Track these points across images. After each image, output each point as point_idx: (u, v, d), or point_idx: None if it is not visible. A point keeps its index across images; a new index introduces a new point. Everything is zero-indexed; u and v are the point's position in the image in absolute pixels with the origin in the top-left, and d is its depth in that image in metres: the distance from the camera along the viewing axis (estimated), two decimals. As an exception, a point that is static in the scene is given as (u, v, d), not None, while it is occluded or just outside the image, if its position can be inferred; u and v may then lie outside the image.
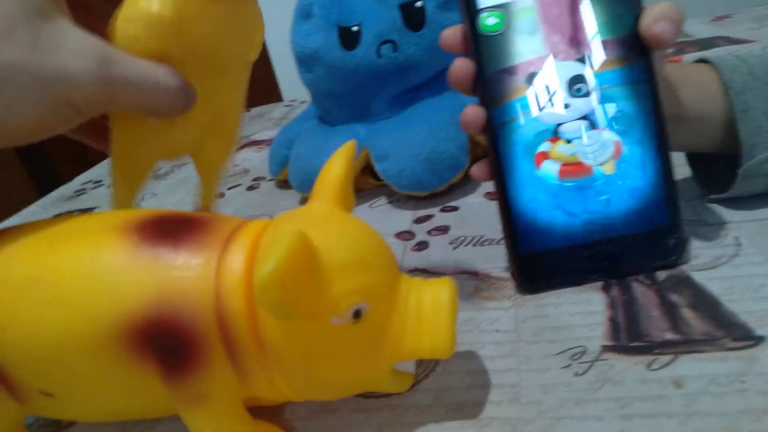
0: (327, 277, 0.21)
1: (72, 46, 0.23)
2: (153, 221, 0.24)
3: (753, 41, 0.68)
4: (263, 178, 0.62)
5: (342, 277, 0.22)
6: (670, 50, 0.71)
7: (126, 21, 0.25)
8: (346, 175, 0.26)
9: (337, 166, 0.26)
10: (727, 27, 0.77)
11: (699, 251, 0.33)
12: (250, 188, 0.60)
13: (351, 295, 0.22)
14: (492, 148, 0.32)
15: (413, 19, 0.46)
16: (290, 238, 0.19)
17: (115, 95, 0.24)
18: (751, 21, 0.77)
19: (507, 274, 0.35)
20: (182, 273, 0.22)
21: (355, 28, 0.47)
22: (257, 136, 0.78)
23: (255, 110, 0.95)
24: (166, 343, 0.22)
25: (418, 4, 0.46)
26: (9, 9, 0.22)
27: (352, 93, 0.50)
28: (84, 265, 0.23)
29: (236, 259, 0.22)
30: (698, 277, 0.31)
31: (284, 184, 0.57)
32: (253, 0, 0.28)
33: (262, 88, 2.04)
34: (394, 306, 0.23)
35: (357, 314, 0.22)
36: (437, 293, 0.24)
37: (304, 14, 0.50)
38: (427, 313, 0.23)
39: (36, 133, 0.24)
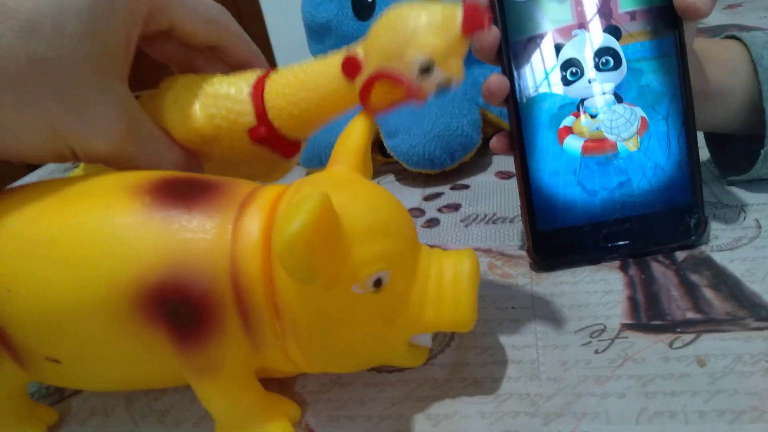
0: (348, 244, 0.20)
1: (105, 109, 0.24)
2: (165, 182, 0.23)
3: (765, 28, 0.67)
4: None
5: (363, 243, 0.21)
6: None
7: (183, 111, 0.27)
8: (366, 140, 0.25)
9: (357, 132, 0.25)
10: (739, 15, 0.76)
11: (718, 232, 0.32)
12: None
13: (372, 262, 0.21)
14: (514, 120, 0.31)
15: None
16: (314, 200, 0.18)
17: (118, 160, 0.25)
18: (763, 9, 0.76)
19: (521, 252, 0.34)
20: (197, 236, 0.21)
21: (369, 0, 0.46)
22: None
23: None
24: (179, 308, 0.21)
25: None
26: (74, 53, 0.22)
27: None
28: (94, 225, 0.22)
29: (253, 223, 0.22)
30: (718, 257, 0.30)
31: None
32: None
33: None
34: (414, 276, 0.23)
35: (377, 283, 0.21)
36: (458, 264, 0.23)
37: (315, -17, 0.49)
38: (448, 284, 0.22)
39: (21, 157, 0.23)
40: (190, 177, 0.24)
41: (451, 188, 0.44)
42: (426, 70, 0.23)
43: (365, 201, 0.22)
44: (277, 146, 0.27)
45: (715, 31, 0.71)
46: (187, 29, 0.27)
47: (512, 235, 0.36)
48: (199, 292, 0.21)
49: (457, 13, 0.23)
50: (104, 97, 0.24)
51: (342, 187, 0.22)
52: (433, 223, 0.40)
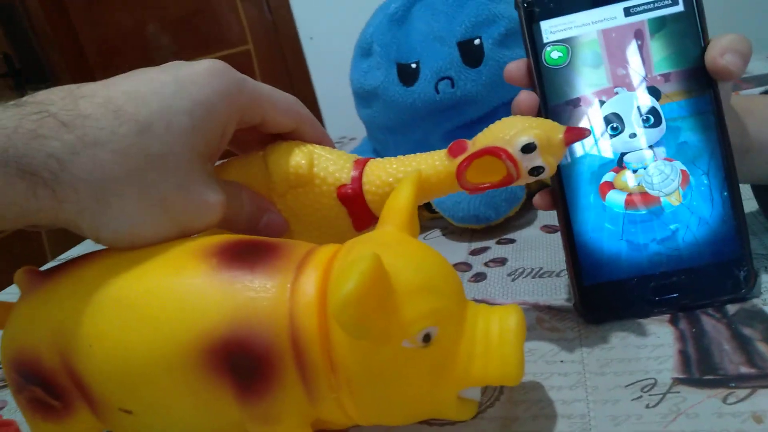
0: (399, 300, 0.22)
1: (210, 191, 0.27)
2: (230, 246, 0.25)
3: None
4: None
5: (413, 300, 0.22)
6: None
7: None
8: (413, 202, 0.27)
9: (404, 193, 0.27)
10: (786, 62, 0.75)
11: (771, 285, 0.32)
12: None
13: (421, 318, 0.22)
14: (556, 178, 0.32)
15: (471, 55, 0.48)
16: (367, 260, 0.20)
17: (220, 228, 0.28)
18: (810, 56, 0.75)
19: (569, 306, 0.34)
20: (258, 294, 0.23)
21: (413, 65, 0.49)
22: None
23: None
24: (242, 362, 0.23)
25: (476, 41, 0.48)
26: (183, 147, 0.25)
27: (409, 127, 0.51)
28: (167, 287, 0.24)
29: (309, 282, 0.23)
30: (772, 311, 0.30)
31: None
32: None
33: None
34: (462, 331, 0.24)
35: (426, 338, 0.22)
36: (504, 320, 0.24)
37: (364, 52, 0.52)
38: (495, 339, 0.23)
39: (133, 242, 0.26)
40: (253, 240, 0.26)
41: (497, 242, 0.45)
42: (527, 150, 0.26)
43: (413, 259, 0.23)
44: (356, 210, 0.30)
45: (761, 80, 0.71)
46: (274, 121, 0.30)
47: (559, 289, 0.36)
48: (261, 347, 0.22)
49: (561, 128, 0.27)
50: (207, 182, 0.27)
51: (391, 246, 0.24)
52: (480, 277, 0.41)
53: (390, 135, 0.53)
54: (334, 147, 0.32)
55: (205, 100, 0.26)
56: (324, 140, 0.32)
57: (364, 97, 0.52)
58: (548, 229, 0.46)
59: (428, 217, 0.52)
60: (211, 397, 0.23)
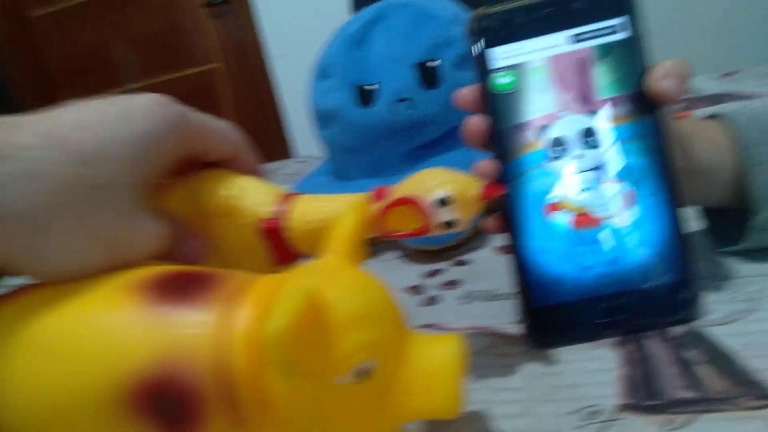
0: (334, 334, 0.21)
1: (151, 221, 0.26)
2: (163, 278, 0.24)
3: (761, 95, 0.68)
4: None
5: (349, 334, 0.22)
6: (679, 105, 0.72)
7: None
8: (357, 228, 0.26)
9: (348, 220, 0.26)
10: (735, 82, 0.78)
11: (714, 306, 0.32)
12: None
13: (358, 352, 0.22)
14: (505, 201, 0.32)
15: (429, 77, 0.48)
16: (300, 294, 0.19)
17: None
18: (757, 77, 0.78)
19: (519, 330, 0.34)
20: (186, 330, 0.22)
21: (372, 87, 0.49)
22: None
23: (266, 166, 0.97)
24: (168, 404, 0.22)
25: (435, 63, 0.48)
26: (124, 177, 0.25)
27: (368, 148, 0.51)
28: (95, 324, 0.23)
29: (241, 315, 0.22)
30: (714, 332, 0.30)
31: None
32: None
33: (275, 145, 2.11)
34: (400, 364, 0.23)
35: (362, 373, 0.22)
36: (444, 350, 0.23)
37: (323, 73, 0.52)
38: (434, 372, 0.23)
39: (69, 273, 0.25)
40: (190, 271, 0.25)
41: (451, 265, 0.45)
42: (443, 203, 0.27)
43: (351, 291, 0.23)
44: (276, 245, 0.30)
45: (712, 99, 0.73)
46: (214, 150, 0.30)
47: (511, 313, 0.36)
48: (186, 388, 0.21)
49: (479, 184, 0.28)
50: (148, 213, 0.26)
51: (329, 277, 0.23)
52: (432, 300, 0.40)
53: (349, 156, 0.53)
54: (264, 178, 0.32)
55: (150, 130, 0.26)
56: (257, 170, 0.32)
57: (323, 118, 0.52)
58: (502, 250, 0.46)
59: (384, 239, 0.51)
60: (139, 439, 0.22)
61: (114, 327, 0.22)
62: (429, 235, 0.28)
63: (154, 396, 0.22)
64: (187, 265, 0.26)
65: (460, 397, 0.23)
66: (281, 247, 0.30)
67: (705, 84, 0.81)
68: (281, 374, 0.21)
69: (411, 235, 0.28)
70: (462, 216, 0.27)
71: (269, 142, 2.13)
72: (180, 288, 0.24)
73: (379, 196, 0.28)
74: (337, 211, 0.28)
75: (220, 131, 0.30)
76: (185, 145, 0.28)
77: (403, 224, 0.28)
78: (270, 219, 0.29)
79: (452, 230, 0.28)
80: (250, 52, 2.05)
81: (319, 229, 0.28)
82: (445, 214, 0.27)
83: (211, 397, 0.22)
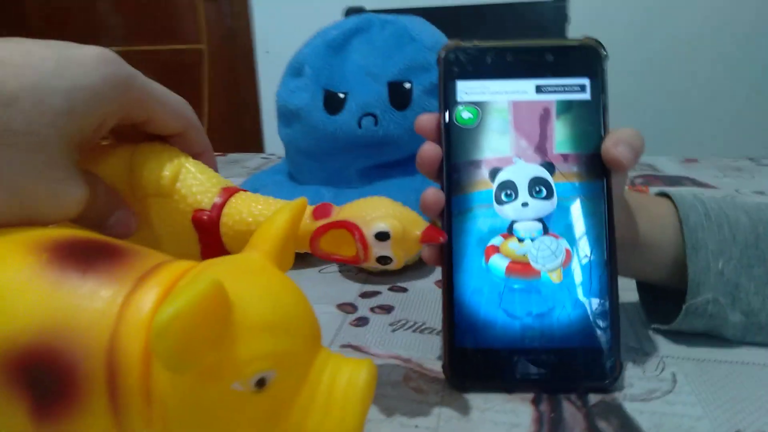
0: (235, 336, 0.20)
1: (73, 183, 0.24)
2: (69, 243, 0.22)
3: (715, 187, 0.71)
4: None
5: (252, 338, 0.20)
6: (637, 180, 0.74)
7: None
8: (288, 230, 0.25)
9: (280, 219, 0.25)
10: (695, 170, 0.80)
11: (634, 381, 0.32)
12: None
13: (259, 360, 0.20)
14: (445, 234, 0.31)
15: (399, 98, 0.47)
16: (202, 285, 0.18)
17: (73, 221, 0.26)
18: (717, 169, 0.81)
19: (439, 367, 0.33)
20: (82, 302, 0.20)
21: (341, 95, 0.48)
22: (227, 182, 0.77)
23: (232, 156, 0.95)
24: (43, 377, 0.20)
25: (407, 85, 0.47)
26: (50, 129, 0.23)
27: (326, 156, 0.50)
28: None
29: (145, 299, 0.21)
30: (629, 407, 0.30)
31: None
32: None
33: (247, 137, 2.07)
34: (304, 381, 0.22)
35: (261, 382, 0.20)
36: (353, 375, 0.22)
37: (295, 71, 0.51)
38: (339, 394, 0.21)
39: None
40: (99, 240, 0.23)
41: (389, 289, 0.44)
42: (380, 238, 0.26)
43: (264, 293, 0.21)
44: (208, 239, 0.28)
45: (670, 180, 0.75)
46: (160, 122, 0.28)
47: (435, 348, 0.35)
48: (67, 365, 0.19)
49: (423, 224, 0.27)
50: (72, 173, 0.24)
51: (245, 275, 0.22)
52: (362, 322, 0.39)
53: (306, 159, 0.52)
54: (214, 161, 0.31)
55: (88, 85, 0.24)
56: (206, 151, 0.31)
57: (286, 116, 0.50)
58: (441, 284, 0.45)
59: (328, 251, 0.50)
60: (1, 409, 0.20)
61: (2, 285, 0.20)
62: (361, 265, 0.26)
63: (28, 366, 0.20)
64: (109, 237, 0.24)
65: (360, 425, 0.21)
66: (212, 242, 0.28)
67: (666, 165, 0.83)
68: (163, 367, 0.19)
69: (342, 261, 0.27)
70: (397, 254, 0.26)
71: (241, 133, 2.09)
72: (85, 256, 0.22)
73: (320, 212, 0.27)
74: (274, 222, 0.27)
75: (170, 104, 0.28)
76: (126, 109, 0.26)
77: (337, 247, 0.27)
78: (205, 211, 0.28)
79: (385, 266, 0.27)
80: (238, 41, 2.02)
81: (251, 231, 0.26)
82: (381, 249, 0.26)
83: (93, 378, 0.20)
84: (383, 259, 0.26)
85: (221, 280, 0.19)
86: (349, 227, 0.26)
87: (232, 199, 0.28)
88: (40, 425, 0.20)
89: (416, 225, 0.27)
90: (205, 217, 0.27)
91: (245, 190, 0.29)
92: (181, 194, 0.27)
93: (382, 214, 0.26)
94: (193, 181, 0.28)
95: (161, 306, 0.17)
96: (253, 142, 2.08)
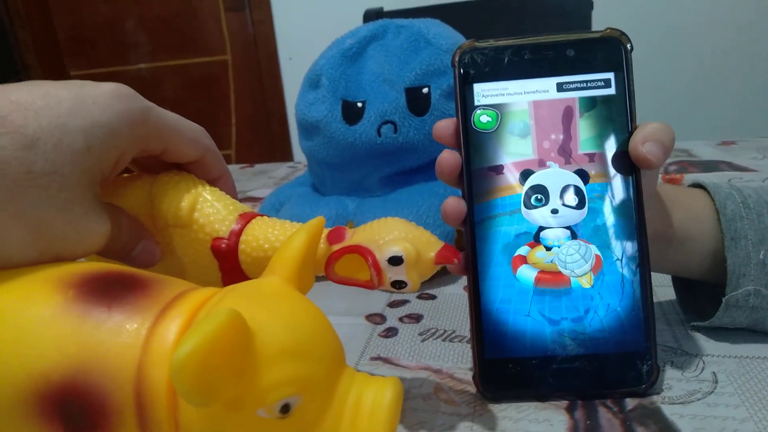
0: (257, 364, 0.20)
1: (96, 218, 0.25)
2: (94, 277, 0.23)
3: (754, 170, 0.68)
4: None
5: (275, 365, 0.20)
6: (672, 168, 0.71)
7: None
8: (307, 252, 0.25)
9: (298, 242, 0.25)
10: (732, 153, 0.78)
11: (673, 382, 0.31)
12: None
13: (282, 386, 0.20)
14: (469, 244, 0.31)
15: (418, 103, 0.47)
16: (219, 318, 0.18)
17: (99, 255, 0.27)
18: (755, 150, 0.77)
19: (470, 377, 0.33)
20: (109, 337, 0.21)
21: (359, 104, 0.48)
22: (255, 193, 0.78)
23: (259, 167, 0.96)
24: (75, 412, 0.20)
25: (425, 90, 0.47)
26: (72, 168, 0.24)
27: (348, 166, 0.49)
28: (9, 318, 0.21)
29: (170, 329, 0.21)
30: (668, 410, 0.29)
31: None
32: None
33: (275, 144, 2.10)
34: (329, 403, 0.22)
35: (285, 408, 0.20)
36: (379, 395, 0.22)
37: (312, 83, 0.51)
38: (365, 416, 0.21)
39: None
40: (123, 272, 0.24)
41: (418, 297, 0.44)
42: (394, 263, 0.25)
43: (284, 318, 0.21)
44: (227, 266, 0.28)
45: (706, 165, 0.72)
46: (177, 151, 0.29)
47: (466, 357, 0.35)
48: (98, 398, 0.20)
49: (437, 245, 0.26)
50: (94, 208, 0.25)
51: (265, 301, 0.22)
52: (391, 332, 0.39)
53: (328, 171, 0.52)
54: (233, 184, 0.31)
55: (105, 122, 0.24)
56: (224, 176, 0.31)
57: (306, 129, 0.51)
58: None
59: (356, 259, 0.50)
60: (38, 444, 0.21)
61: (30, 322, 0.21)
62: (376, 289, 0.26)
63: (60, 402, 0.20)
64: (134, 267, 0.25)
65: (387, 447, 0.21)
66: (231, 269, 0.28)
67: (702, 150, 0.81)
68: (186, 401, 0.19)
69: (361, 286, 0.27)
70: (412, 278, 0.26)
71: (270, 141, 2.12)
72: (110, 289, 0.22)
73: (334, 236, 0.27)
74: (290, 246, 0.27)
75: (186, 133, 0.29)
76: (143, 143, 0.27)
77: (352, 272, 0.27)
78: (223, 239, 0.28)
79: (400, 291, 0.27)
80: (261, 49, 2.05)
81: (269, 257, 0.27)
82: (395, 274, 0.26)
83: (123, 411, 0.20)
84: (398, 284, 0.26)
85: (240, 307, 0.19)
86: (362, 252, 0.26)
87: (249, 226, 0.28)
88: (75, 458, 0.21)
89: (430, 247, 0.26)
90: (224, 246, 0.28)
91: (262, 215, 0.29)
92: (200, 224, 0.28)
93: (395, 237, 0.26)
94: (210, 209, 0.28)
95: (180, 342, 0.17)
96: (282, 149, 2.10)
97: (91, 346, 0.20)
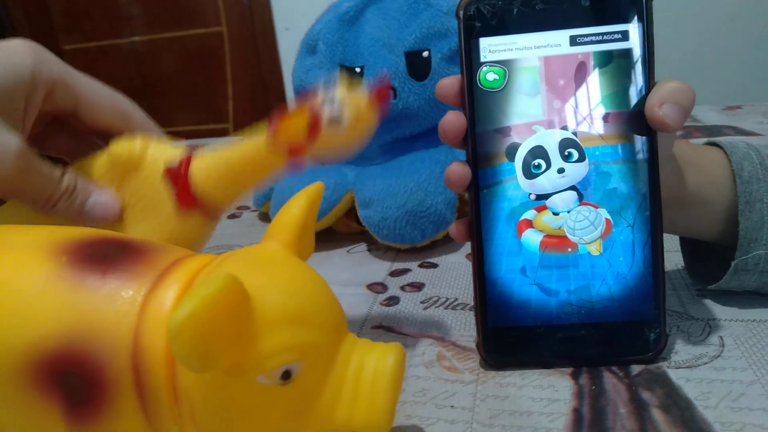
0: (257, 330, 0.19)
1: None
2: (88, 243, 0.22)
3: (760, 134, 0.67)
4: (247, 208, 0.60)
5: (275, 331, 0.20)
6: (678, 133, 0.70)
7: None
8: (306, 217, 0.24)
9: (297, 207, 0.24)
10: (737, 117, 0.76)
11: (680, 347, 0.30)
12: (232, 216, 0.58)
13: (283, 352, 0.20)
14: (474, 209, 0.30)
15: (418, 68, 0.46)
16: (216, 282, 0.17)
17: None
18: (761, 115, 0.76)
19: (473, 345, 0.32)
20: (104, 304, 0.20)
21: (357, 69, 0.46)
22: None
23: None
24: (74, 380, 0.20)
25: (425, 54, 0.46)
26: None
27: (346, 134, 0.48)
28: (2, 282, 0.21)
29: (166, 296, 0.20)
30: (675, 375, 0.28)
31: (266, 217, 0.56)
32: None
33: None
34: (330, 369, 0.21)
35: (286, 375, 0.20)
36: (381, 361, 0.21)
37: (309, 48, 0.50)
38: (367, 382, 0.21)
39: None
40: (118, 239, 0.23)
41: (419, 265, 0.43)
42: (332, 102, 0.26)
43: (284, 284, 0.21)
44: (181, 190, 0.29)
45: (711, 131, 0.71)
46: (92, 111, 0.30)
47: (469, 325, 0.34)
48: (95, 366, 0.19)
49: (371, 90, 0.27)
50: (3, 126, 0.26)
51: (263, 266, 0.21)
52: (392, 301, 0.38)
53: (328, 139, 0.51)
54: None
55: (7, 62, 0.26)
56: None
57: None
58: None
59: (357, 229, 0.49)
60: (35, 413, 0.20)
61: (24, 291, 0.20)
62: (321, 136, 0.26)
63: (57, 370, 0.20)
64: (92, 221, 0.27)
65: (390, 412, 0.21)
66: (184, 191, 0.29)
67: (705, 114, 0.79)
68: (183, 366, 0.19)
69: (305, 141, 0.27)
70: (350, 113, 0.26)
71: (267, 113, 2.08)
72: (104, 255, 0.22)
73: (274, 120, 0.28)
74: (237, 154, 0.28)
75: (101, 93, 0.30)
76: (50, 86, 0.28)
77: (297, 135, 0.27)
78: (174, 164, 0.29)
79: (337, 126, 0.26)
80: (257, 20, 2.01)
81: (220, 174, 0.29)
82: (331, 110, 0.26)
83: (121, 379, 0.20)
84: (332, 121, 0.26)
85: (239, 273, 0.19)
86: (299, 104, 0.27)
87: (197, 152, 0.30)
88: (73, 427, 0.20)
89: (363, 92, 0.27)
90: (176, 166, 0.29)
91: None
92: (153, 158, 0.29)
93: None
94: (161, 147, 0.30)
95: (176, 307, 0.17)
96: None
97: (87, 313, 0.20)
